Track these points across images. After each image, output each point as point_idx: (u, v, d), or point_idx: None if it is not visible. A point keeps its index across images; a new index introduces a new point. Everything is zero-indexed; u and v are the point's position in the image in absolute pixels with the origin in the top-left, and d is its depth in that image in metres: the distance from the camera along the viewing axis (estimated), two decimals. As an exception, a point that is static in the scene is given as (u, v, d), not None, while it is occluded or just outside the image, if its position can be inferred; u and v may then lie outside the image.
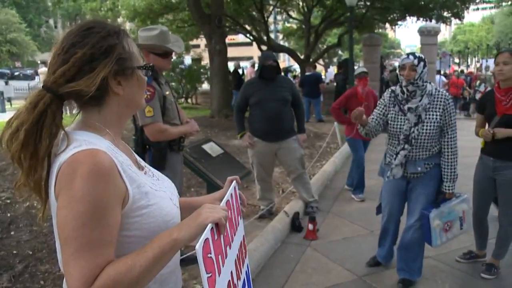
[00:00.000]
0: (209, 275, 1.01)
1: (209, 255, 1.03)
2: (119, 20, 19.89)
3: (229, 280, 1.17)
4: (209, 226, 1.07)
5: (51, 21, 43.29)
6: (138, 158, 1.33)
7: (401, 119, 3.26)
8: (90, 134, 1.14)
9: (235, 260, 1.27)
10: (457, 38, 59.62)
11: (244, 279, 1.35)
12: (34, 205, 4.64)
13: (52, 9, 29.38)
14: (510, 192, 3.46)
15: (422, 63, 3.16)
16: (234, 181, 1.39)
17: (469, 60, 38.80)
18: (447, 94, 3.28)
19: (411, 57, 3.20)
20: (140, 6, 15.88)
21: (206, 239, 1.03)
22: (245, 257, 1.41)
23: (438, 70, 17.52)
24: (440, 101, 3.21)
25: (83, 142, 1.09)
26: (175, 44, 3.22)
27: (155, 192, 1.19)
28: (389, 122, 3.34)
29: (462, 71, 20.99)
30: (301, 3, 19.14)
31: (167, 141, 3.26)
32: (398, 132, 3.28)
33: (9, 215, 4.56)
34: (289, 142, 4.88)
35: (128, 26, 19.67)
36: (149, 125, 3.11)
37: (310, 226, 4.51)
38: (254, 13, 17.59)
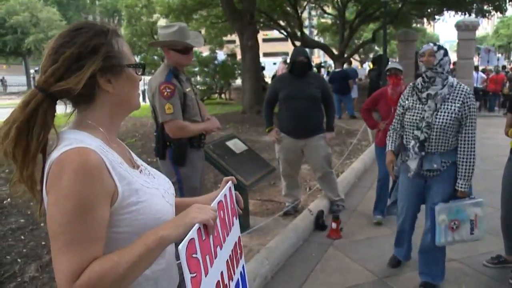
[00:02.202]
0: (193, 275, 1.01)
1: (194, 255, 1.03)
2: (154, 16, 20.22)
3: (219, 280, 1.16)
4: (196, 226, 1.07)
5: (90, 18, 44.44)
6: (135, 157, 1.35)
7: (418, 107, 3.18)
8: (81, 133, 1.16)
9: (227, 260, 1.26)
10: (499, 32, 57.26)
11: (238, 279, 1.34)
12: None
13: (89, 6, 30.11)
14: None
15: (442, 51, 3.14)
16: (230, 182, 1.39)
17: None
18: (468, 89, 3.17)
19: (431, 44, 3.22)
20: (175, 2, 16.12)
21: (191, 239, 1.03)
22: (240, 258, 1.40)
23: (476, 66, 16.90)
24: (460, 94, 3.11)
25: (73, 140, 1.12)
26: (195, 40, 3.24)
27: (146, 189, 1.20)
28: (407, 112, 3.28)
29: (503, 67, 20.14)
30: (335, -2, 18.91)
31: (188, 138, 3.28)
32: (415, 120, 3.18)
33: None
34: (315, 139, 4.81)
35: (163, 22, 19.94)
36: (169, 122, 3.14)
37: (334, 225, 4.46)
38: (288, 8, 17.50)
